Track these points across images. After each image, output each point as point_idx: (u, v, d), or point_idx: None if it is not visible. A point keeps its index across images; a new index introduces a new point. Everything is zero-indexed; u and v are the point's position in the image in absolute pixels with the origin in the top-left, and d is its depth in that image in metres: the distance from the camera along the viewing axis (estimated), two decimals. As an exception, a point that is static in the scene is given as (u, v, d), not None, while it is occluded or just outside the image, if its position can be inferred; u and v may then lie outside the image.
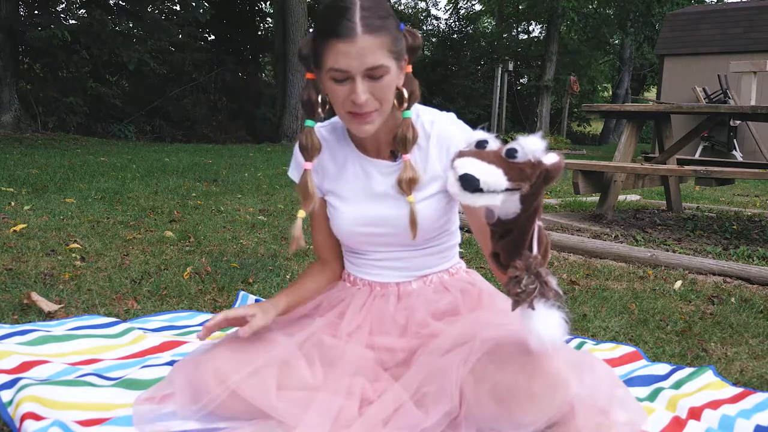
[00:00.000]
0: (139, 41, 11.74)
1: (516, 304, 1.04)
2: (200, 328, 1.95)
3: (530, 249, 1.03)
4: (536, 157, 0.95)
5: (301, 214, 1.31)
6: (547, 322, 1.02)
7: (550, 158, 0.97)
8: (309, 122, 1.33)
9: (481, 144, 0.99)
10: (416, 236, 1.32)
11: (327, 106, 1.31)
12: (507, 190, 0.95)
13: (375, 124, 1.26)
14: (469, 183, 0.93)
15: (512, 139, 0.99)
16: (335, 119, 1.44)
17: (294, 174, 1.43)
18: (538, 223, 1.03)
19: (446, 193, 1.37)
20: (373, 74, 1.19)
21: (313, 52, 1.24)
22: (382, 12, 1.20)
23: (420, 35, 1.31)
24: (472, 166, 0.94)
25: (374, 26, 1.17)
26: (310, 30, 1.30)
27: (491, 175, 0.93)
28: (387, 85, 1.22)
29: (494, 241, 1.06)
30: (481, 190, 0.93)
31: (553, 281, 1.03)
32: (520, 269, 1.02)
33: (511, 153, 0.96)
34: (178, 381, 1.32)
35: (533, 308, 1.02)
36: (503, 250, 1.05)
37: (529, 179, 0.95)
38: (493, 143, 0.99)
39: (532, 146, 0.96)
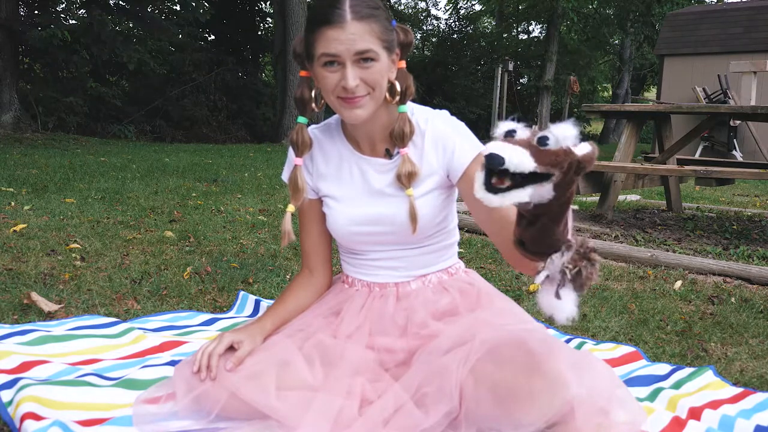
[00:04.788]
0: (139, 41, 11.75)
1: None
2: (200, 328, 1.97)
3: (564, 234, 0.99)
4: (568, 144, 0.90)
5: (291, 208, 1.36)
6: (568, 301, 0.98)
7: (583, 148, 0.92)
8: (301, 119, 1.38)
9: (509, 133, 0.95)
10: (416, 231, 1.33)
11: (322, 101, 1.33)
12: (536, 178, 0.90)
13: (366, 109, 1.27)
14: (494, 160, 0.87)
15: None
16: (330, 120, 1.45)
17: (286, 175, 1.44)
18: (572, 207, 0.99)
19: (443, 190, 1.37)
20: (362, 58, 1.22)
21: (306, 45, 1.28)
22: (371, 3, 1.24)
23: (412, 32, 1.33)
24: (498, 146, 0.89)
25: (363, 14, 1.21)
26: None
27: (517, 155, 0.88)
28: (377, 71, 1.24)
29: (522, 228, 1.01)
30: (506, 171, 0.90)
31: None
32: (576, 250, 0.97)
33: (543, 141, 0.91)
34: (178, 381, 1.32)
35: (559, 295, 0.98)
36: (531, 237, 1.01)
37: (561, 167, 0.92)
38: (522, 132, 0.94)
39: (563, 133, 0.92)
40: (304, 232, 1.48)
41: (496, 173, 0.90)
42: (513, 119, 1.00)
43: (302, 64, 1.33)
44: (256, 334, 1.35)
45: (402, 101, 1.33)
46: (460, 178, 1.33)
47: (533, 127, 0.97)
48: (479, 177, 0.91)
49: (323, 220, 1.45)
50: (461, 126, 1.37)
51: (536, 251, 1.00)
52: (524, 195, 0.90)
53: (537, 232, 0.99)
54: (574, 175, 0.92)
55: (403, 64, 1.33)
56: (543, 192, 0.93)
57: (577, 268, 0.97)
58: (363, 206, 1.38)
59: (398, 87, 1.31)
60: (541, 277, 1.00)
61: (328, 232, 1.46)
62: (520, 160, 0.88)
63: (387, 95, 1.30)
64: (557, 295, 0.98)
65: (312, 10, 1.30)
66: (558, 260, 0.99)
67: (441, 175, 1.35)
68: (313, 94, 1.34)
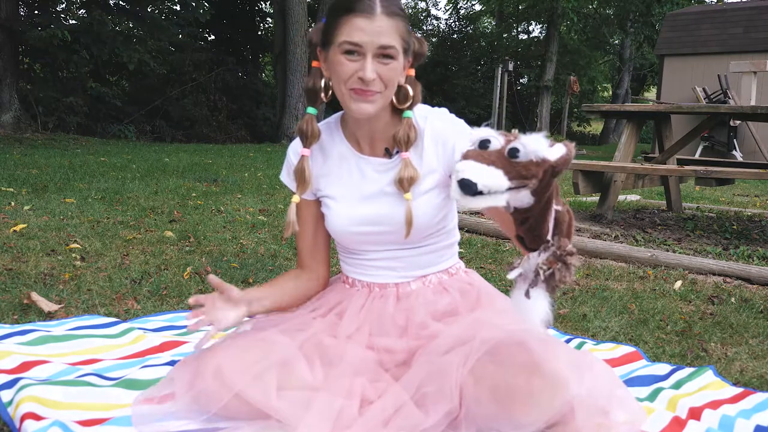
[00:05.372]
0: (139, 41, 11.73)
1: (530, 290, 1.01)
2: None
3: (546, 233, 1.01)
4: (539, 156, 0.93)
5: (296, 199, 1.37)
6: (540, 304, 1.00)
7: (556, 152, 0.94)
8: (310, 109, 1.37)
9: (483, 144, 0.97)
10: (411, 234, 1.33)
11: (330, 92, 1.33)
12: (511, 189, 0.93)
13: (375, 105, 1.27)
14: (468, 188, 0.91)
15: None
16: (330, 119, 1.45)
17: (285, 177, 1.45)
18: (555, 207, 1.01)
19: (442, 189, 1.37)
20: (383, 54, 1.22)
21: (325, 31, 1.27)
22: (399, 4, 1.25)
23: (426, 45, 1.34)
24: (471, 170, 0.92)
25: (392, 10, 1.23)
26: (310, 29, 1.32)
27: (491, 178, 0.91)
28: (394, 69, 1.25)
29: (517, 226, 1.04)
30: (481, 193, 0.92)
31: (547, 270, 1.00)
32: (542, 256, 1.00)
33: (513, 153, 0.93)
34: (178, 381, 1.32)
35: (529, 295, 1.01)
36: (525, 235, 1.03)
37: (536, 176, 0.93)
38: (496, 142, 0.96)
39: (534, 146, 0.93)
40: (299, 234, 1.48)
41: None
42: (487, 125, 1.02)
43: (315, 53, 1.32)
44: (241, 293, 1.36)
45: (409, 107, 1.33)
46: None
47: (513, 131, 0.98)
48: (454, 184, 0.93)
49: (317, 221, 1.45)
50: (460, 123, 1.37)
51: (533, 248, 1.02)
52: (501, 200, 0.93)
53: (528, 231, 1.01)
54: (551, 178, 0.94)
55: (412, 72, 1.34)
56: (521, 197, 0.96)
57: (551, 270, 0.99)
58: (362, 206, 1.38)
59: (410, 91, 1.31)
60: (514, 274, 1.03)
61: (322, 233, 1.46)
62: (494, 182, 0.92)
63: (394, 99, 1.31)
64: (527, 294, 1.01)
65: None
66: (534, 259, 1.02)
67: (441, 173, 1.35)
68: (322, 83, 1.33)
